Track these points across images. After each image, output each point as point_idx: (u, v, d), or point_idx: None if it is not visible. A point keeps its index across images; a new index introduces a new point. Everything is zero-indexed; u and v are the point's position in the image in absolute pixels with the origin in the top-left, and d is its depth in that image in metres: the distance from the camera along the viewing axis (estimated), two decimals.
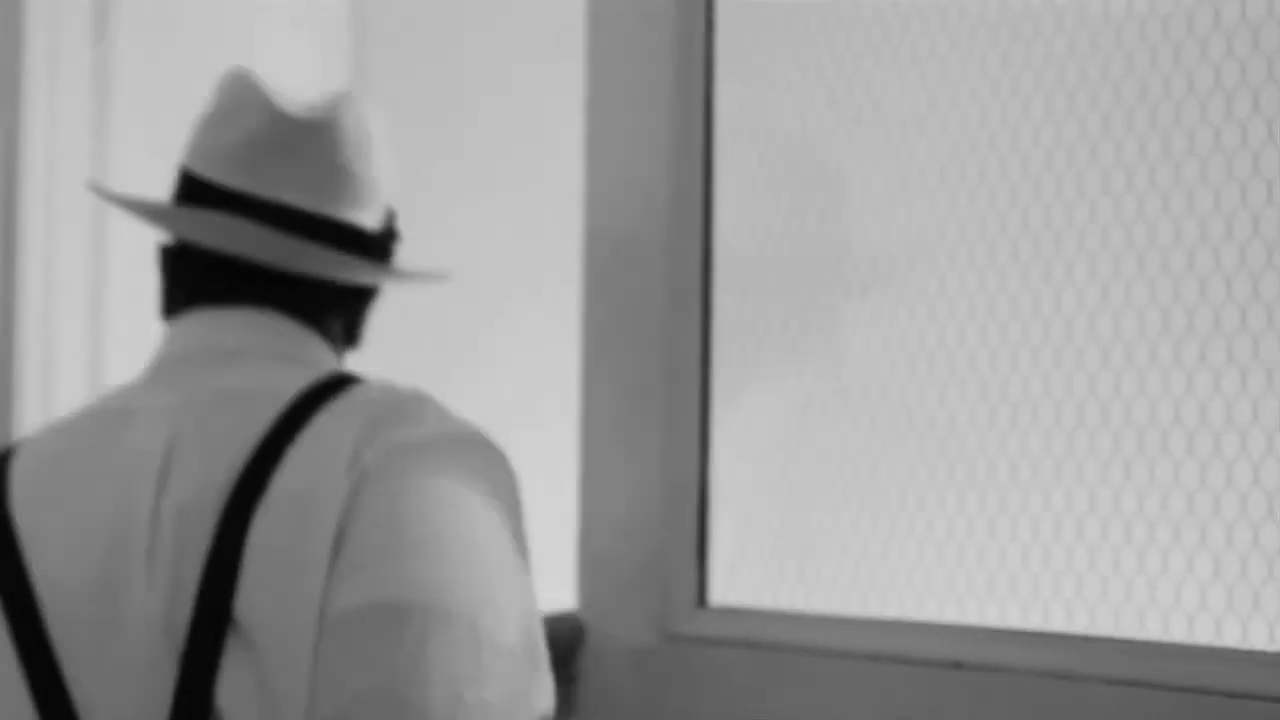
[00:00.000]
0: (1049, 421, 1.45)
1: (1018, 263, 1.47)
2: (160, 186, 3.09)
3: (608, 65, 1.78)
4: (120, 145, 3.01)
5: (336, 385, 1.62)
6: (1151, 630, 1.38)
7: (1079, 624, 1.42)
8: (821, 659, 1.54)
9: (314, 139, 1.66)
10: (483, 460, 1.58)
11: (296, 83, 3.12)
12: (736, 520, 1.67)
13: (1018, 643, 1.44)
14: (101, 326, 3.01)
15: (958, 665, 1.46)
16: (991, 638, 1.46)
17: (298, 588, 1.48)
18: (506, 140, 2.86)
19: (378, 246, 1.74)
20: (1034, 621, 1.45)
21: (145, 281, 3.07)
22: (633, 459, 1.72)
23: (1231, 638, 1.33)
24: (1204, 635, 1.35)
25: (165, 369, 1.67)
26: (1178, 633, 1.36)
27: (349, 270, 1.69)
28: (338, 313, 1.73)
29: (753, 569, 1.65)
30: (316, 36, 3.29)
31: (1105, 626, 1.41)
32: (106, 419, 1.64)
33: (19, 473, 1.64)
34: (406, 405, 1.59)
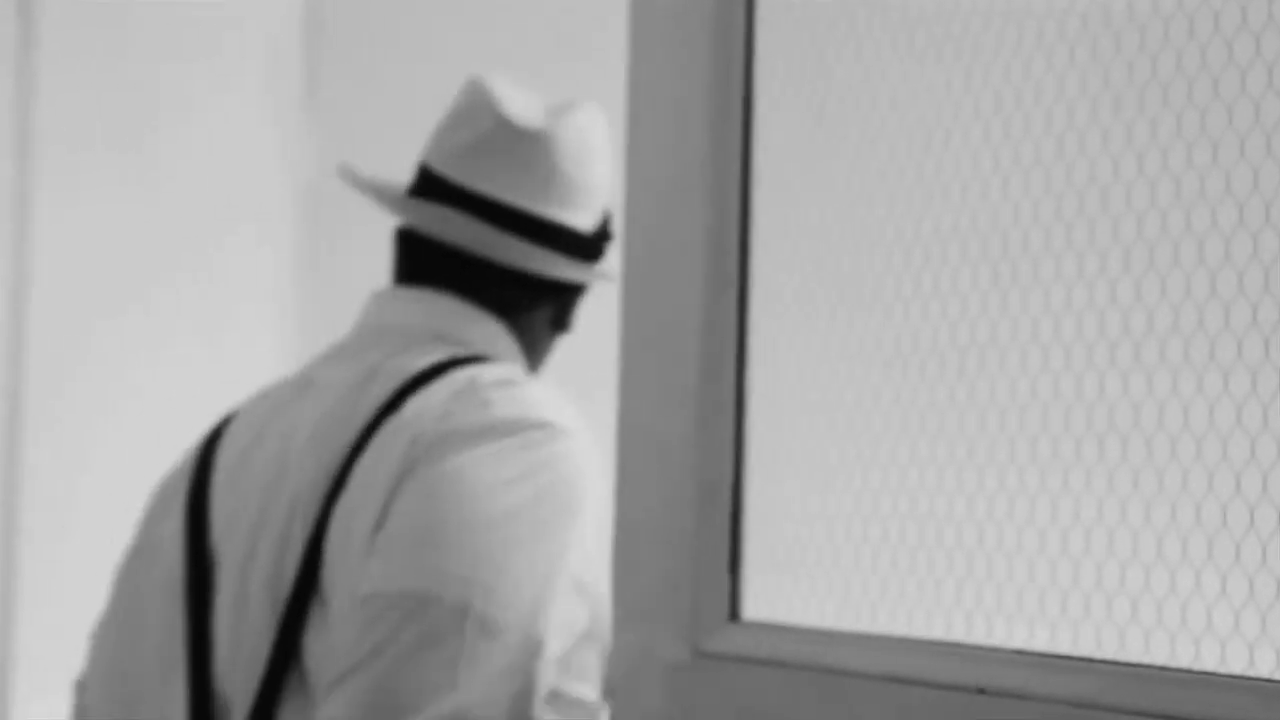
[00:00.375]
0: (1080, 428, 1.35)
1: (1050, 256, 1.38)
2: (100, 180, 3.09)
3: (647, 53, 1.73)
4: (47, 145, 3.00)
5: (441, 369, 1.74)
6: (1182, 656, 1.27)
7: (1108, 648, 1.33)
8: (841, 679, 1.46)
9: (532, 145, 1.81)
10: (528, 443, 1.71)
11: (244, 80, 3.10)
12: (771, 529, 1.60)
13: (1044, 668, 1.35)
14: (23, 316, 3.02)
15: (981, 690, 1.38)
16: (1015, 661, 1.37)
17: (350, 567, 1.67)
18: None
19: (587, 246, 1.86)
20: (1062, 645, 1.36)
21: (68, 273, 3.09)
22: (665, 464, 1.67)
23: (1265, 664, 1.23)
24: (1237, 662, 1.24)
25: (352, 339, 1.86)
26: (1209, 659, 1.26)
27: (548, 264, 1.83)
28: (541, 304, 1.88)
29: (784, 580, 1.58)
30: (268, 34, 3.28)
31: (1135, 650, 1.31)
32: (295, 389, 1.83)
33: (231, 431, 1.85)
34: (482, 391, 1.73)
